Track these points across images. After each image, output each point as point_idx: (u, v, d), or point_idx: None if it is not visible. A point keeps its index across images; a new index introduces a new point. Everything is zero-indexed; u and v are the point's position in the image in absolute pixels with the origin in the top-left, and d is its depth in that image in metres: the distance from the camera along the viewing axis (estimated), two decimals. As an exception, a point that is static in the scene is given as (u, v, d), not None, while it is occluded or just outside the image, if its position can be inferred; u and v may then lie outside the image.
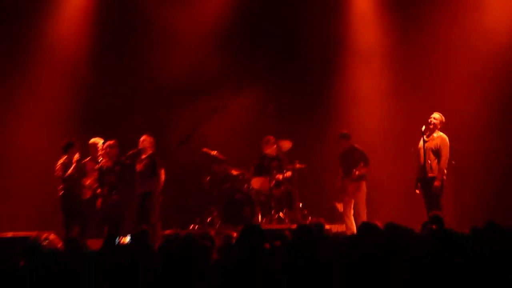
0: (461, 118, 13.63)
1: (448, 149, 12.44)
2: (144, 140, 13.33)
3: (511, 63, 13.83)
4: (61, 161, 13.19)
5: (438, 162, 12.40)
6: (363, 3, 15.30)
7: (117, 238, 8.89)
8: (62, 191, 13.14)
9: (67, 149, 13.22)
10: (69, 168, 13.13)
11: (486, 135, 13.81)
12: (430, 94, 14.19)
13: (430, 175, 12.40)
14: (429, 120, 12.51)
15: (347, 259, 6.25)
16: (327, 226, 12.22)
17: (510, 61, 13.82)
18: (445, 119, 12.53)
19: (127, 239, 9.77)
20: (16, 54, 15.22)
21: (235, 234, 8.36)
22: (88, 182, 13.34)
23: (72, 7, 15.66)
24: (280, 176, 14.08)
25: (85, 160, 13.39)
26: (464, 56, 14.18)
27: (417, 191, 12.61)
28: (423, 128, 12.48)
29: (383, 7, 15.03)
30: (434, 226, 8.39)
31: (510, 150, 13.64)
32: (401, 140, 13.92)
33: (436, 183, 12.29)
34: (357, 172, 13.38)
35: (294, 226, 12.23)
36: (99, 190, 13.22)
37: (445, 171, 12.41)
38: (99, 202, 13.15)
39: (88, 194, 13.33)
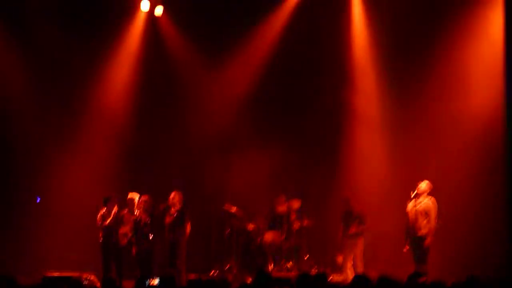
0: (447, 182, 13.52)
1: (436, 211, 12.45)
2: (174, 196, 13.37)
3: (492, 144, 13.73)
4: (101, 212, 13.31)
5: (428, 222, 12.42)
6: (367, 79, 15.26)
7: (148, 280, 8.89)
8: (102, 239, 13.20)
9: (107, 202, 13.34)
10: (108, 219, 13.22)
11: (468, 198, 13.68)
12: (421, 160, 14.13)
13: (420, 233, 12.40)
14: (418, 187, 12.56)
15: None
16: (330, 276, 12.26)
17: (491, 142, 13.73)
18: (432, 185, 12.58)
19: (156, 281, 9.74)
20: (69, 114, 15.31)
21: (249, 280, 8.35)
22: (124, 231, 13.39)
23: (119, 73, 15.76)
24: (290, 231, 14.03)
25: (123, 211, 13.46)
26: (451, 132, 14.14)
27: (405, 250, 12.61)
28: (412, 194, 12.55)
29: (384, 82, 15.00)
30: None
31: (489, 209, 13.49)
32: (396, 201, 13.86)
33: (427, 241, 12.30)
34: (353, 230, 13.37)
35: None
36: (133, 239, 13.26)
37: (433, 231, 12.40)
38: (133, 249, 13.20)
39: (124, 241, 13.37)
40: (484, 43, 13.99)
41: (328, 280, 8.71)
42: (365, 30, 15.14)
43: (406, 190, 12.95)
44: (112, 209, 13.31)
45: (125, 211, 13.49)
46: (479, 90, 13.89)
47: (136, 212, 13.35)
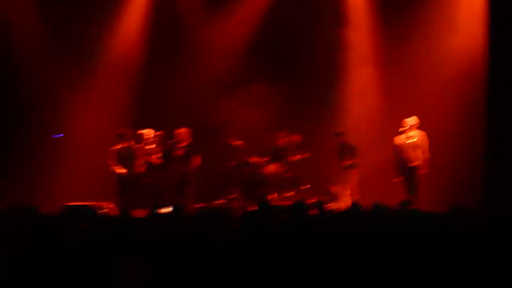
0: (434, 117, 13.51)
1: (428, 143, 12.51)
2: (183, 131, 13.41)
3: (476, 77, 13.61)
4: (116, 146, 13.31)
5: (421, 154, 12.49)
6: (360, 20, 15.09)
7: (160, 208, 8.95)
8: (117, 171, 13.27)
9: (121, 137, 13.33)
10: (122, 152, 13.26)
11: (456, 130, 13.67)
12: (410, 97, 14.05)
13: (412, 164, 12.50)
14: (406, 122, 12.61)
15: (340, 228, 6.30)
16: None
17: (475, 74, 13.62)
18: (420, 120, 12.58)
19: (167, 209, 9.79)
20: (84, 59, 15.19)
21: (252, 208, 8.38)
22: (137, 163, 13.44)
23: (129, 22, 15.62)
24: (290, 163, 14.07)
25: (136, 146, 13.47)
26: (438, 70, 14.03)
27: (396, 180, 12.72)
28: (405, 128, 12.60)
29: (376, 22, 14.84)
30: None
31: (472, 144, 13.48)
32: (387, 134, 13.88)
33: (421, 171, 12.39)
34: (346, 163, 13.45)
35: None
36: (147, 171, 13.34)
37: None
38: (146, 180, 13.27)
39: (137, 173, 13.44)
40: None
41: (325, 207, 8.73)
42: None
43: (397, 125, 13.00)
44: (126, 144, 13.33)
45: (137, 145, 13.50)
46: (463, 29, 13.82)
47: (149, 146, 13.38)
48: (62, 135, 15.06)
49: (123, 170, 13.29)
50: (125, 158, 13.29)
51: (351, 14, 15.11)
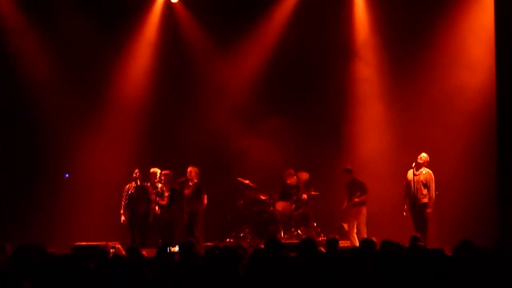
0: (443, 154, 13.48)
1: (434, 182, 12.49)
2: (191, 170, 13.44)
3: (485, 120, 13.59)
4: (128, 185, 13.36)
5: (428, 192, 12.48)
6: (369, 57, 15.15)
7: (169, 247, 8.92)
8: (128, 210, 13.28)
9: (133, 176, 13.40)
10: (133, 191, 13.30)
11: (464, 168, 13.61)
12: (420, 133, 14.03)
13: (422, 201, 12.48)
14: (418, 158, 12.61)
15: (350, 264, 6.27)
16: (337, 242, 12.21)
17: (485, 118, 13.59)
18: (429, 157, 12.57)
19: (176, 248, 9.76)
20: (93, 98, 15.30)
21: (262, 246, 8.34)
22: (147, 202, 13.45)
23: (139, 57, 15.74)
24: (299, 201, 14.06)
25: (146, 184, 13.51)
26: (447, 107, 14.03)
27: (405, 214, 12.68)
28: (414, 164, 12.59)
29: (386, 59, 14.87)
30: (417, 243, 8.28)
31: (483, 182, 13.40)
32: (396, 172, 13.83)
33: (429, 209, 12.39)
34: (356, 199, 13.43)
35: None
36: (156, 210, 13.32)
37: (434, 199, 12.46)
38: (156, 219, 13.28)
39: (146, 212, 13.44)
40: (476, 24, 13.87)
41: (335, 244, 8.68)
42: (367, 14, 15.04)
43: (405, 161, 12.99)
44: (137, 183, 13.39)
45: (148, 184, 13.54)
46: (472, 66, 13.79)
47: (158, 185, 13.41)
48: (67, 175, 15.15)
49: (134, 209, 13.31)
50: (136, 197, 13.33)
51: (361, 50, 15.19)
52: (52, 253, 7.81)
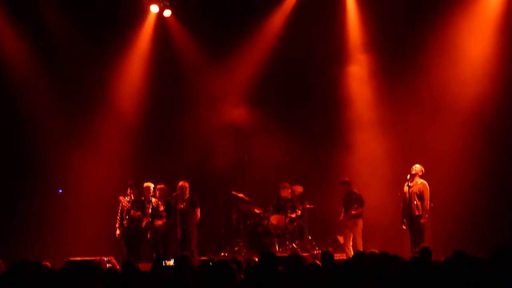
0: (437, 163, 13.53)
1: (429, 192, 12.51)
2: (183, 185, 13.46)
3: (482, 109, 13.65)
4: (123, 199, 13.38)
5: (422, 203, 12.49)
6: (362, 70, 15.19)
7: (164, 261, 8.95)
8: (123, 223, 13.29)
9: (127, 190, 13.42)
10: (126, 205, 13.31)
11: (458, 179, 13.68)
12: (413, 149, 14.09)
13: (416, 213, 12.49)
14: (411, 170, 12.64)
15: (345, 276, 6.32)
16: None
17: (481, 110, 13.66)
18: (423, 169, 12.63)
19: (171, 262, 9.79)
20: (84, 112, 15.36)
21: (256, 259, 8.36)
22: (140, 217, 13.49)
23: (131, 70, 15.81)
24: (293, 214, 14.10)
25: (139, 198, 13.54)
26: (443, 119, 14.11)
27: (404, 227, 12.70)
28: (408, 176, 12.63)
29: (379, 67, 14.96)
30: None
31: (477, 194, 13.49)
32: (390, 185, 13.89)
33: (422, 220, 12.41)
34: (353, 212, 13.46)
35: (304, 254, 12.29)
36: (150, 224, 13.36)
37: (428, 210, 12.47)
38: (150, 233, 13.32)
39: (140, 227, 13.47)
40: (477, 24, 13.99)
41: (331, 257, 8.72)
42: (360, 15, 15.16)
43: (401, 173, 13.03)
44: (132, 196, 13.41)
45: (141, 198, 13.57)
46: (470, 65, 13.93)
47: (152, 199, 13.45)
48: (61, 191, 15.16)
49: (128, 223, 13.32)
50: (131, 211, 13.36)
51: (355, 53, 15.24)
52: (47, 266, 7.84)
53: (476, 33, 13.92)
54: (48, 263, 8.16)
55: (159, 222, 13.38)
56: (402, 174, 12.93)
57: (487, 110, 13.56)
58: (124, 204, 13.50)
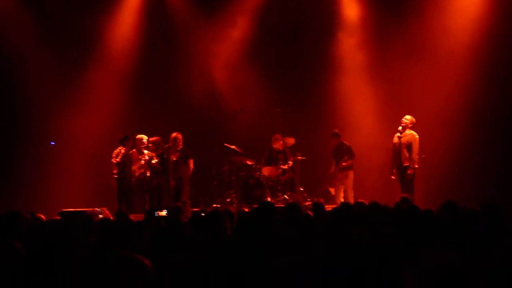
0: (428, 115, 13.56)
1: (418, 144, 12.50)
2: (176, 136, 13.47)
3: (472, 60, 13.65)
4: (116, 150, 13.36)
5: (410, 154, 12.47)
6: (353, 30, 15.21)
7: (156, 212, 9.01)
8: (116, 175, 13.30)
9: (122, 141, 13.39)
10: (119, 157, 13.29)
11: (448, 130, 13.72)
12: (403, 97, 14.14)
13: (405, 164, 12.49)
14: (402, 120, 12.61)
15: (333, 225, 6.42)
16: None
17: (472, 57, 13.66)
18: (415, 119, 12.61)
19: (164, 212, 9.85)
20: (78, 65, 15.24)
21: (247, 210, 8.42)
22: (133, 169, 13.50)
23: (124, 25, 15.72)
24: (285, 166, 14.15)
25: (132, 151, 13.54)
26: (431, 60, 14.09)
27: (392, 177, 12.74)
28: (400, 128, 12.62)
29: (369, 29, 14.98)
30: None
31: (467, 143, 13.56)
32: (380, 136, 13.95)
33: (409, 171, 12.37)
34: (343, 164, 13.51)
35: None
36: (144, 176, 13.41)
37: (417, 161, 12.47)
38: (144, 185, 13.37)
39: (133, 179, 13.50)
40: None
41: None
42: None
43: (391, 124, 13.06)
44: (125, 148, 13.41)
45: (133, 150, 13.58)
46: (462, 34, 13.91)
47: (145, 151, 13.46)
48: (53, 143, 15.13)
49: (121, 175, 13.34)
50: (122, 162, 13.35)
51: (348, 24, 15.30)
52: (40, 218, 7.88)
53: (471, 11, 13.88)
54: (42, 215, 8.19)
55: (152, 174, 13.41)
56: (393, 124, 12.94)
57: (482, 57, 13.53)
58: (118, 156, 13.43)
